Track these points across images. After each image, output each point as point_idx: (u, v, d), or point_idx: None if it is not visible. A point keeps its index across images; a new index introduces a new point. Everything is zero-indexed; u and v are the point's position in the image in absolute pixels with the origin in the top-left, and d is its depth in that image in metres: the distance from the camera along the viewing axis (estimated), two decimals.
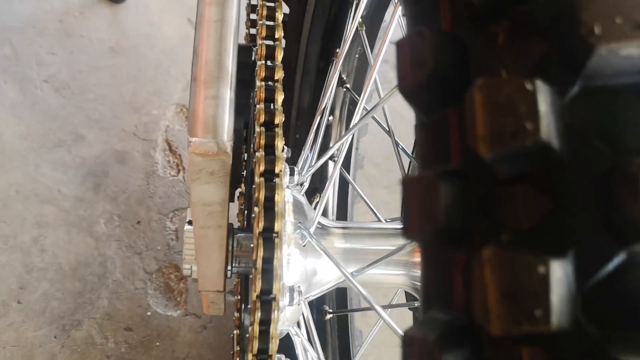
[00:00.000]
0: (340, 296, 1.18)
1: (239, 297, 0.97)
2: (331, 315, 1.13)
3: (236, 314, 0.96)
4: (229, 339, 1.16)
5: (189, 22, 1.78)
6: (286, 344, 0.78)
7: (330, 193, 1.20)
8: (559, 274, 0.24)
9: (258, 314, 0.53)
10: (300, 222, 0.71)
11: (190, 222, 0.75)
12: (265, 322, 0.54)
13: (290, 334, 0.74)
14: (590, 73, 0.28)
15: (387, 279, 0.77)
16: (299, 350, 0.73)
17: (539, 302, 0.24)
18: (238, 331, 0.92)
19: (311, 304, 1.10)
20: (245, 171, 0.98)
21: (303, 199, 0.76)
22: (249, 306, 0.62)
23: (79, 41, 1.61)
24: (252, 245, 0.56)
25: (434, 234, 0.27)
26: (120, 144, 1.45)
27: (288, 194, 0.73)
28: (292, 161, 1.00)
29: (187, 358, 1.21)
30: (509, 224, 0.27)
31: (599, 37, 0.26)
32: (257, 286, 0.53)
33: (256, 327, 0.53)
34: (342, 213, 1.25)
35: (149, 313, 1.23)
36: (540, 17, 0.30)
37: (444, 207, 0.27)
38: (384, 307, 1.02)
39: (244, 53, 0.89)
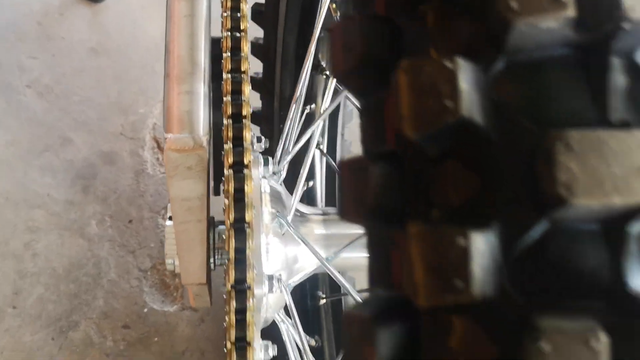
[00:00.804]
0: (333, 281, 1.19)
1: None
2: (325, 300, 1.14)
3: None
4: None
5: None
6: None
7: (318, 181, 1.20)
8: (481, 245, 0.25)
9: (233, 304, 0.54)
10: (278, 211, 0.72)
11: (170, 218, 0.76)
12: (242, 311, 0.55)
13: (276, 321, 0.75)
14: (512, 48, 0.28)
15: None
16: (285, 337, 0.74)
17: (459, 273, 0.24)
18: None
19: (304, 291, 1.11)
20: None
21: (281, 188, 0.77)
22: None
23: (60, 43, 1.61)
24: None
25: (366, 215, 0.28)
26: (108, 145, 1.46)
27: (265, 184, 0.73)
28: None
29: (186, 351, 1.23)
30: (439, 201, 0.27)
31: (516, 12, 0.27)
32: (231, 276, 0.54)
33: (232, 316, 0.54)
34: (332, 199, 1.26)
35: (145, 310, 1.24)
36: None
37: (374, 189, 0.28)
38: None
39: (220, 45, 0.88)
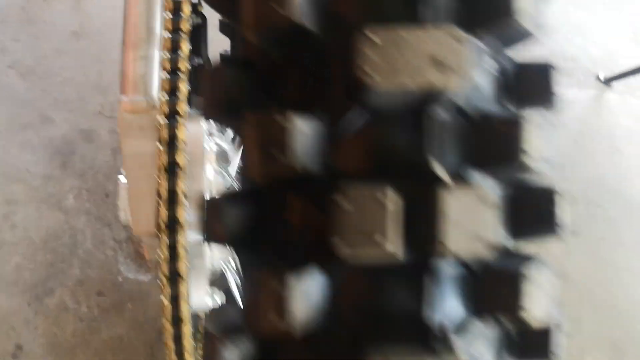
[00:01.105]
0: None
1: None
2: None
3: None
4: None
5: None
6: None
7: None
8: (302, 127, 0.29)
9: (165, 239, 0.58)
10: (222, 167, 0.76)
11: (123, 174, 0.81)
12: (174, 246, 0.59)
13: (224, 269, 0.80)
14: None
15: None
16: (231, 285, 0.79)
17: (278, 146, 0.29)
18: None
19: None
20: None
21: (229, 147, 0.81)
22: None
23: (42, 27, 1.65)
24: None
25: (217, 110, 0.32)
26: (87, 123, 1.51)
27: (211, 142, 0.78)
28: None
29: (159, 317, 1.27)
30: (278, 97, 0.32)
31: None
32: (163, 214, 0.58)
33: (165, 250, 0.59)
34: None
35: (120, 279, 1.29)
36: None
37: (225, 89, 0.32)
38: None
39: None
